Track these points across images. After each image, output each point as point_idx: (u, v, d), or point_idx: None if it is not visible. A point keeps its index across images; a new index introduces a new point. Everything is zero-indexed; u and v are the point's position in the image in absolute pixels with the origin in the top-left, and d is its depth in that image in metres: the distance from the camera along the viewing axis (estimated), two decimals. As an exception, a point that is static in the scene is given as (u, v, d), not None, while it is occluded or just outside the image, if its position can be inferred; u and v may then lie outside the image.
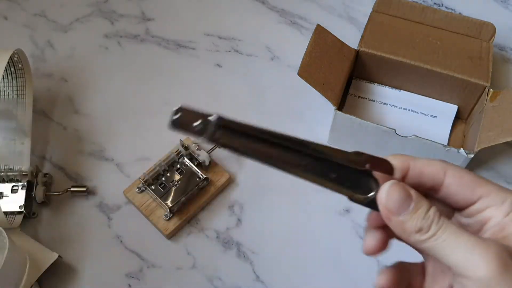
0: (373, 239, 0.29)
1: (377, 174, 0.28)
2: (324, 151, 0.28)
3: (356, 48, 0.60)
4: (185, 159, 0.55)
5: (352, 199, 0.28)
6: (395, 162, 0.28)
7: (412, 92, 0.62)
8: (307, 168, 0.27)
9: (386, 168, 0.28)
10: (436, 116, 0.61)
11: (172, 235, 0.53)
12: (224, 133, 0.28)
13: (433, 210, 0.26)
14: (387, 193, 0.27)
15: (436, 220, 0.26)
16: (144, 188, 0.54)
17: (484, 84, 0.56)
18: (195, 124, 0.27)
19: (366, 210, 0.29)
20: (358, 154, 0.28)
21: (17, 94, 0.59)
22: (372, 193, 0.28)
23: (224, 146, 0.27)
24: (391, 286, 0.29)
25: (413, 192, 0.27)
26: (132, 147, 0.59)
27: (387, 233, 0.29)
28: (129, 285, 0.51)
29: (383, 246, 0.29)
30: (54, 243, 0.52)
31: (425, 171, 0.28)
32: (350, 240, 0.54)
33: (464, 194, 0.28)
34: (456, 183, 0.28)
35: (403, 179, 0.28)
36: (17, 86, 0.59)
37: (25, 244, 0.50)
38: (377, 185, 0.28)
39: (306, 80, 0.52)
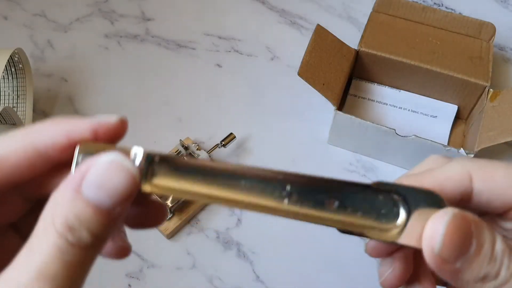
0: (392, 272, 0.24)
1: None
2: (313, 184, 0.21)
3: (356, 48, 0.60)
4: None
5: (364, 236, 0.21)
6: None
7: (412, 92, 0.62)
8: (292, 199, 0.21)
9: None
10: (436, 116, 0.61)
11: (172, 235, 0.53)
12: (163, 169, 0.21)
13: (500, 245, 0.19)
14: (443, 237, 0.19)
15: (506, 262, 0.19)
16: (144, 188, 0.53)
17: (484, 84, 0.56)
18: None
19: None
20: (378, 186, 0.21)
21: (17, 94, 0.59)
22: (397, 222, 0.20)
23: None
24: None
25: (471, 217, 0.19)
26: (132, 147, 0.59)
27: (409, 258, 0.24)
28: (129, 285, 0.51)
29: (402, 278, 0.24)
30: (54, 243, 0.52)
31: (446, 186, 0.22)
32: (350, 240, 0.54)
33: (500, 200, 0.22)
34: (487, 189, 0.21)
35: None
36: (17, 86, 0.59)
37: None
38: (402, 206, 0.20)
39: (306, 80, 0.52)
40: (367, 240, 0.24)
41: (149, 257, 0.52)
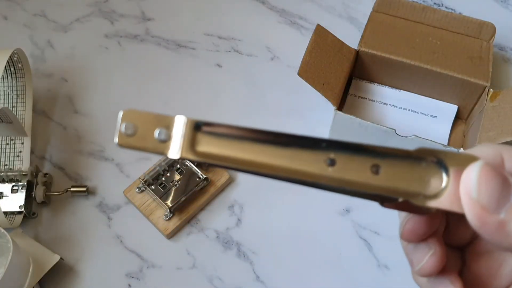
0: (433, 255, 0.23)
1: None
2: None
3: (356, 48, 0.60)
4: (185, 159, 0.55)
5: (408, 206, 0.20)
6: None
7: (412, 92, 0.62)
8: (336, 166, 0.21)
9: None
10: (436, 116, 0.61)
11: (172, 235, 0.53)
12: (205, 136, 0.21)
13: None
14: (478, 180, 0.18)
15: None
16: (144, 188, 0.54)
17: (484, 84, 0.56)
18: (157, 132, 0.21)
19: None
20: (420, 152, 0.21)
21: (17, 94, 0.59)
22: (441, 187, 0.20)
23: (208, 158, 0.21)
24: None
25: (507, 173, 0.19)
26: (132, 147, 0.59)
27: (442, 242, 0.23)
28: (129, 285, 0.51)
29: (443, 260, 0.23)
30: (54, 243, 0.52)
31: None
32: (350, 240, 0.54)
33: None
34: None
35: None
36: (17, 86, 0.59)
37: (27, 246, 0.50)
38: (444, 172, 0.20)
39: (306, 80, 0.52)
40: (400, 224, 0.24)
41: (149, 257, 0.52)
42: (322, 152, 0.21)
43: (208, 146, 0.21)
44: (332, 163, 0.21)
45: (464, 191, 0.19)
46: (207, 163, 0.21)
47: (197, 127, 0.21)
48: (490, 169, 0.18)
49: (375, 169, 0.21)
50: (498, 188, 0.18)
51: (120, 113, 0.21)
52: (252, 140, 0.21)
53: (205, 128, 0.21)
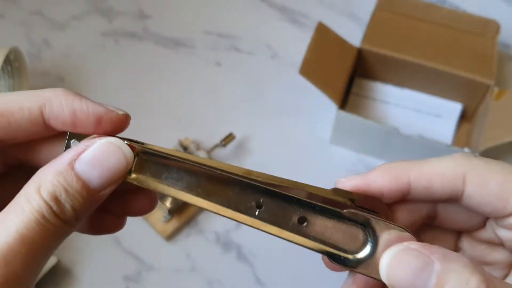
0: None
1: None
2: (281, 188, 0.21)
3: (358, 46, 0.59)
4: (184, 159, 0.54)
5: (334, 259, 0.21)
6: (384, 183, 0.21)
7: (416, 91, 0.61)
8: (258, 215, 0.21)
9: (378, 205, 0.21)
10: (440, 115, 0.60)
11: (171, 237, 0.52)
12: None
13: (477, 279, 0.17)
14: (388, 266, 0.19)
15: None
16: (142, 189, 0.53)
17: (489, 83, 0.56)
18: None
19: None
20: (336, 192, 0.21)
21: (13, 94, 0.58)
22: (363, 252, 0.20)
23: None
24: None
25: (436, 249, 0.18)
26: (130, 147, 0.58)
27: None
28: (127, 288, 0.50)
29: None
30: (51, 245, 0.51)
31: (435, 182, 0.21)
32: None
33: (493, 207, 0.21)
34: (479, 194, 0.21)
35: (403, 199, 0.22)
36: (13, 85, 0.58)
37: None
38: (372, 234, 0.20)
39: (308, 79, 0.51)
40: None
41: (147, 260, 0.51)
42: (252, 195, 0.21)
43: (143, 176, 0.22)
44: (259, 207, 0.22)
45: (382, 272, 0.20)
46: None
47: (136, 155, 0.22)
48: (406, 255, 0.19)
49: (302, 221, 0.21)
50: (413, 275, 0.18)
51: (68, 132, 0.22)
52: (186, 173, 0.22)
53: (143, 158, 0.22)
